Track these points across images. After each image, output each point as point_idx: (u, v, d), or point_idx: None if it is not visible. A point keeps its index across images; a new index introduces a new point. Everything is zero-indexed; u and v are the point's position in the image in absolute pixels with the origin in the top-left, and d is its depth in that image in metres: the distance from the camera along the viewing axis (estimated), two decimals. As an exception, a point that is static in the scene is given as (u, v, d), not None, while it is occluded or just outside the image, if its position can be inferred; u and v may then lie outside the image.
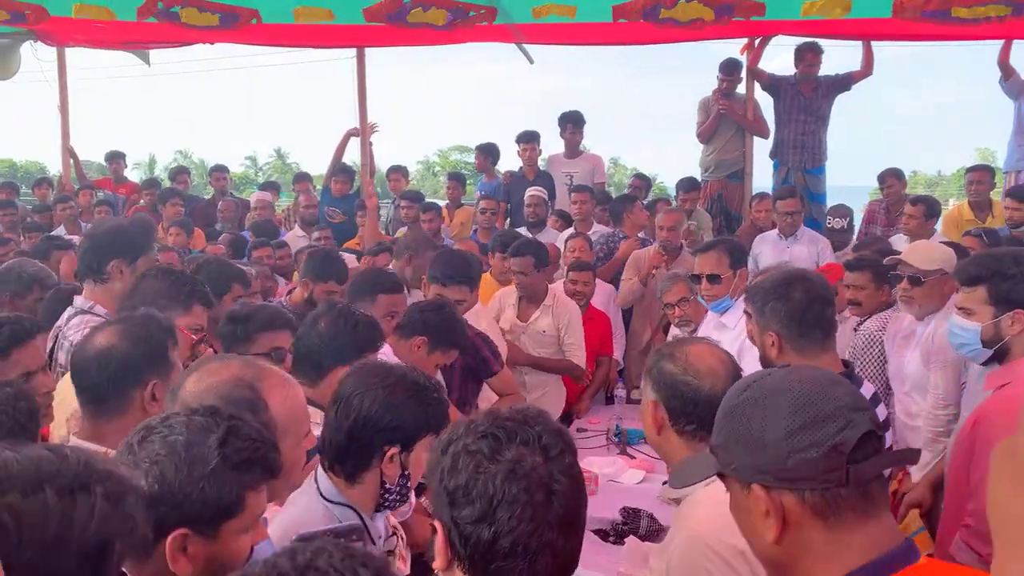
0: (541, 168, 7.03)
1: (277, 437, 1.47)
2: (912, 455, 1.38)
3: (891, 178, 6.55)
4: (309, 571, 0.84)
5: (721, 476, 1.24)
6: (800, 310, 2.19)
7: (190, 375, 1.58)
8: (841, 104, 6.87)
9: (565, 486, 1.16)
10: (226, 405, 1.44)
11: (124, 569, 1.13)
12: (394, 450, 1.76)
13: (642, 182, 7.77)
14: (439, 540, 1.18)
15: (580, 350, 4.34)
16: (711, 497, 1.62)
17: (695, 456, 1.36)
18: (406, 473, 1.80)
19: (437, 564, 1.19)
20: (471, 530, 1.13)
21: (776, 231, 5.73)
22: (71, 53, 7.99)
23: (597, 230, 5.95)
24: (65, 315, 2.82)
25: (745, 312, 2.80)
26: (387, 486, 1.80)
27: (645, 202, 6.47)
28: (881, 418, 2.23)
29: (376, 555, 0.91)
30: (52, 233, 6.20)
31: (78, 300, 2.86)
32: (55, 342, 2.74)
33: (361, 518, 1.79)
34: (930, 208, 5.37)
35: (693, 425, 1.75)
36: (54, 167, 8.91)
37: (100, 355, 1.89)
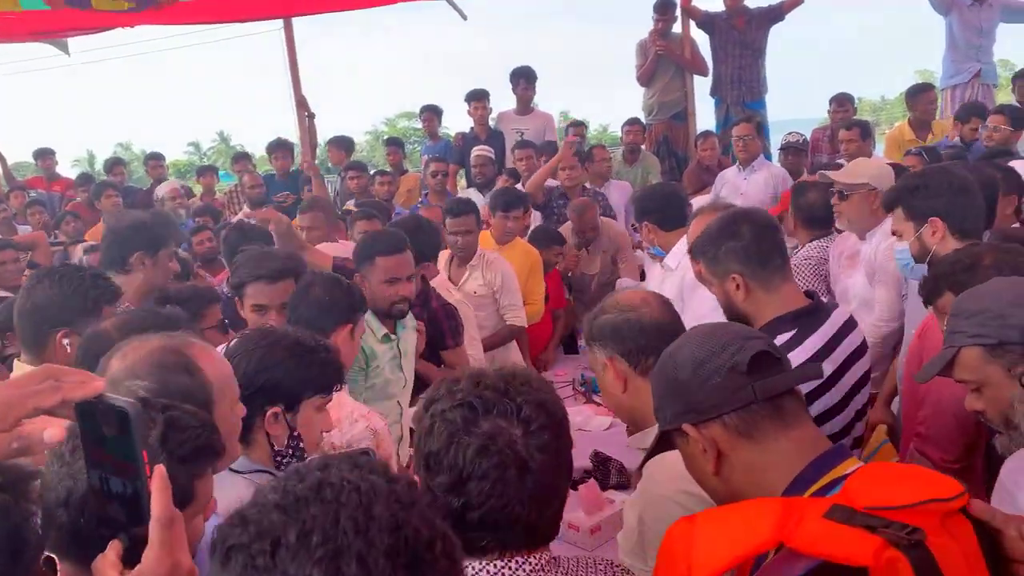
0: (492, 127, 6.94)
1: (214, 401, 1.45)
2: (814, 370, 1.49)
3: (847, 102, 6.60)
4: (324, 488, 0.78)
5: (667, 439, 1.36)
6: (755, 241, 2.16)
7: (112, 356, 1.52)
8: (778, 35, 6.90)
9: (541, 462, 1.13)
10: (163, 372, 1.41)
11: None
12: (275, 409, 1.74)
13: (579, 128, 7.78)
14: None
15: (519, 309, 4.20)
16: (671, 456, 1.63)
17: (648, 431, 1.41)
18: (295, 434, 1.78)
19: None
20: (443, 498, 1.12)
21: (736, 166, 5.74)
22: (-17, 49, 7.65)
23: (546, 185, 5.91)
24: None
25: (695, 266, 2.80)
26: (276, 448, 1.77)
27: (587, 148, 6.42)
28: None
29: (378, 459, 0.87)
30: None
31: None
32: None
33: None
34: (864, 130, 5.47)
35: (652, 357, 1.70)
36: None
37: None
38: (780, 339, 1.96)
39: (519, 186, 5.83)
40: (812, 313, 2.10)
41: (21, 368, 2.19)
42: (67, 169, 8.51)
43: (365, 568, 0.69)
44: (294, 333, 1.90)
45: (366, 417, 2.32)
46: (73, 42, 7.89)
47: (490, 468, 1.11)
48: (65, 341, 2.25)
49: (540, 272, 4.49)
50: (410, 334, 3.16)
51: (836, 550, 1.02)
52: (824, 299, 3.51)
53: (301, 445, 1.80)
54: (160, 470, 0.90)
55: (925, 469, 1.16)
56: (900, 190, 2.63)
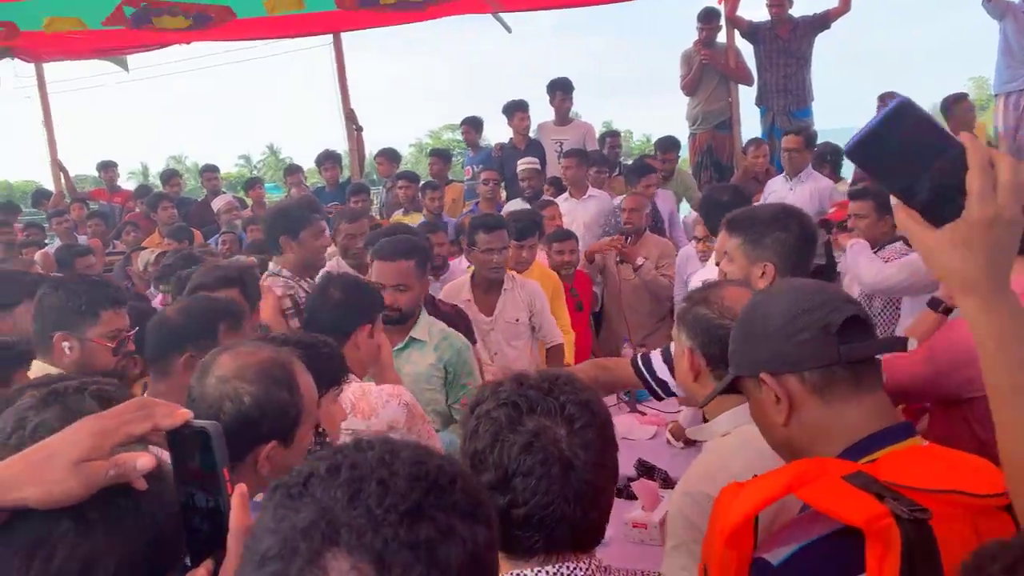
0: (532, 137, 6.99)
1: (301, 421, 1.51)
2: (900, 343, 1.44)
3: (890, 100, 6.48)
4: (360, 442, 0.82)
5: (738, 385, 1.36)
6: (801, 243, 2.18)
7: (222, 353, 1.57)
8: (826, 43, 6.83)
9: (585, 460, 1.15)
10: (269, 383, 1.48)
11: None
12: None
13: (615, 139, 7.76)
14: None
15: (555, 328, 3.91)
16: (709, 457, 1.67)
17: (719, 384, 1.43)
18: (320, 429, 1.79)
19: None
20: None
21: (783, 176, 5.64)
22: (49, 66, 7.99)
23: (592, 194, 5.91)
24: (263, 277, 3.43)
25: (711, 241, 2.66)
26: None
27: (621, 159, 6.41)
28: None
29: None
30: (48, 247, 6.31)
31: (271, 265, 3.53)
32: None
33: None
34: None
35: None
36: (48, 184, 8.96)
37: (155, 324, 2.25)
38: None
39: (566, 195, 5.87)
40: None
41: (40, 368, 2.30)
42: (123, 181, 8.86)
43: (384, 488, 0.73)
44: (292, 336, 1.95)
45: (394, 395, 2.32)
46: (132, 59, 8.22)
47: (535, 465, 1.13)
48: (64, 344, 2.36)
49: (563, 296, 4.22)
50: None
51: (837, 507, 1.04)
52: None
53: (328, 440, 1.84)
54: (241, 487, 0.95)
55: (985, 462, 1.13)
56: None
